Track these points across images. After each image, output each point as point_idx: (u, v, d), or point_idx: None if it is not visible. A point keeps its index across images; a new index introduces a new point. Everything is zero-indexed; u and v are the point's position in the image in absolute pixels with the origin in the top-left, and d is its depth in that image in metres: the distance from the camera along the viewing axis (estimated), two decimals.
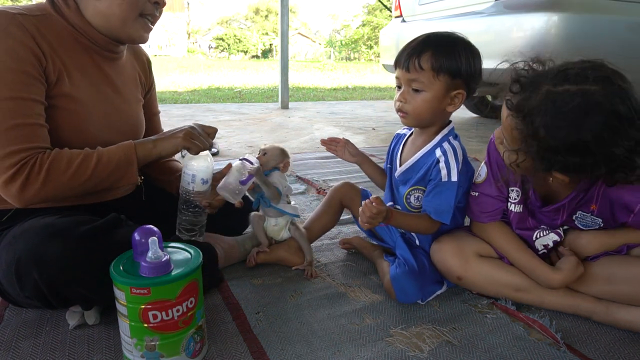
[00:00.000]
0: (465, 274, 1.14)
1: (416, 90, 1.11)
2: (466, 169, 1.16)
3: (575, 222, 1.09)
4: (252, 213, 1.36)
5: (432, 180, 1.15)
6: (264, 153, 1.24)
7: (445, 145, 1.16)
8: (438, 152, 1.15)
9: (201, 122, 1.14)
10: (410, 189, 1.21)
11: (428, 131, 1.20)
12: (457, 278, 1.15)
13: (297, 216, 1.34)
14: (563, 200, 1.05)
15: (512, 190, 1.14)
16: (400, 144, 1.30)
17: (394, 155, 1.31)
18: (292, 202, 1.35)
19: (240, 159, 1.21)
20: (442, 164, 1.13)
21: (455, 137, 1.19)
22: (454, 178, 1.12)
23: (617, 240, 1.07)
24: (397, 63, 1.13)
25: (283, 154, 1.27)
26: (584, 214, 1.07)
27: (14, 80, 0.92)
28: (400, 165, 1.25)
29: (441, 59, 1.08)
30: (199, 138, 1.09)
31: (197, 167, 1.13)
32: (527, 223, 1.14)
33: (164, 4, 1.11)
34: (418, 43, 1.11)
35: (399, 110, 1.16)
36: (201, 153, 1.13)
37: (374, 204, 1.04)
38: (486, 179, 1.15)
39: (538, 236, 1.14)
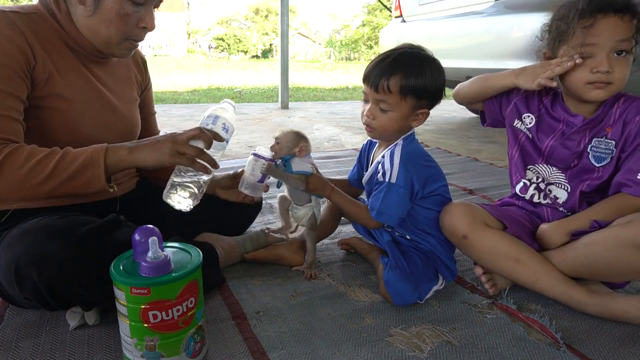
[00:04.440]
0: (470, 234, 1.14)
1: (383, 110, 1.14)
2: (410, 170, 1.15)
3: (590, 155, 1.15)
4: (279, 195, 1.37)
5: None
6: (277, 141, 1.21)
7: (386, 151, 1.19)
8: (380, 157, 1.21)
9: (200, 122, 1.11)
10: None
11: (389, 141, 1.22)
12: (463, 237, 1.15)
13: (320, 196, 1.31)
14: (595, 113, 1.13)
15: (528, 116, 1.25)
16: (372, 152, 1.32)
17: (368, 162, 1.33)
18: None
19: (252, 153, 1.20)
20: (379, 167, 1.18)
21: (410, 140, 1.20)
22: (387, 179, 1.15)
23: (579, 221, 1.12)
24: (366, 80, 1.15)
25: (298, 137, 1.23)
26: (599, 139, 1.14)
27: None
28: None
29: (409, 83, 1.10)
30: (189, 147, 0.96)
31: (222, 113, 1.06)
32: (533, 153, 1.25)
33: (152, 29, 1.08)
34: (387, 64, 1.12)
35: (366, 124, 1.18)
36: (228, 106, 1.09)
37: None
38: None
39: (545, 175, 1.23)
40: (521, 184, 1.27)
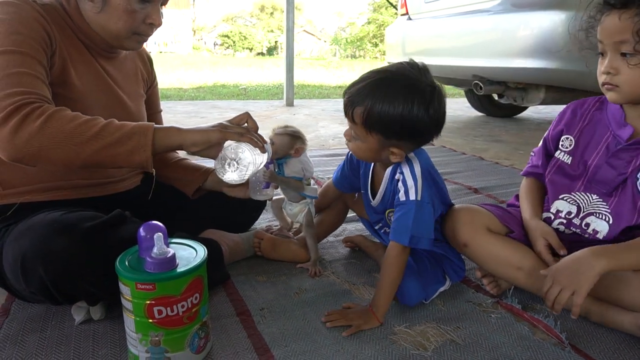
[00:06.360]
0: (471, 242, 1.12)
1: (354, 137, 1.05)
2: (430, 183, 1.08)
3: (639, 183, 1.01)
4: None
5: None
6: (271, 142, 1.20)
7: (402, 163, 1.08)
8: (397, 174, 1.09)
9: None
10: (389, 210, 1.18)
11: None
12: (463, 245, 1.13)
13: (316, 197, 1.33)
14: None
15: (567, 138, 1.15)
16: (369, 167, 1.20)
17: (365, 180, 1.22)
18: (312, 183, 1.32)
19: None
20: (400, 184, 1.07)
21: (419, 151, 1.10)
22: (412, 197, 1.04)
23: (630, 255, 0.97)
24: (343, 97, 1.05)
25: (293, 140, 1.23)
26: None
27: (23, 41, 0.93)
28: (373, 196, 1.20)
29: (372, 118, 0.97)
30: (235, 127, 1.02)
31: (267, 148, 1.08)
32: (571, 179, 1.12)
33: (159, 25, 1.10)
34: (357, 90, 1.00)
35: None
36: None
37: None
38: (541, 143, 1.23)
39: (585, 206, 1.09)
40: (543, 216, 1.17)
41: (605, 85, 1.00)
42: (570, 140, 1.15)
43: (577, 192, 1.11)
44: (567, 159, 1.15)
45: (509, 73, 3.06)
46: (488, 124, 4.31)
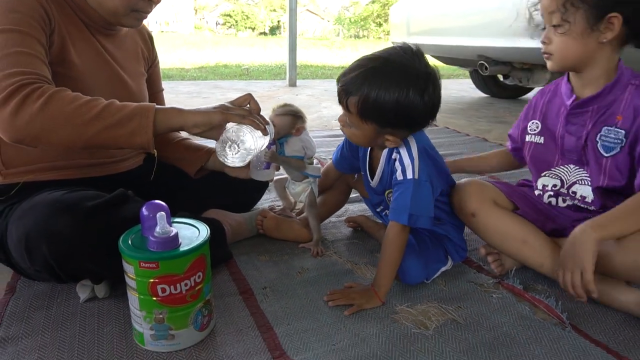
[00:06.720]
0: (478, 212, 1.14)
1: (349, 123, 1.05)
2: (427, 162, 1.07)
3: (599, 145, 1.06)
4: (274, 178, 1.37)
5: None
6: (272, 123, 1.19)
7: (405, 143, 1.07)
8: (394, 154, 1.09)
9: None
10: (388, 191, 1.18)
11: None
12: (471, 214, 1.15)
13: (319, 176, 1.34)
14: (595, 92, 1.05)
15: (532, 122, 1.21)
16: (367, 149, 1.20)
17: (363, 161, 1.23)
18: (315, 163, 1.33)
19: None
20: (397, 164, 1.07)
21: (419, 132, 1.09)
22: (410, 175, 1.04)
23: (618, 224, 1.00)
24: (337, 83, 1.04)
25: (293, 121, 1.23)
26: (609, 128, 1.04)
27: (21, 20, 0.92)
28: (372, 176, 1.20)
29: (367, 108, 0.96)
30: (237, 109, 1.01)
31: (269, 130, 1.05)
32: (548, 157, 1.17)
33: (158, 2, 1.08)
34: (351, 79, 0.97)
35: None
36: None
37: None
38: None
39: (567, 176, 1.14)
40: (535, 192, 1.22)
41: (544, 55, 1.08)
42: (537, 123, 1.21)
43: (556, 167, 1.16)
44: (539, 140, 1.20)
45: (514, 53, 3.02)
46: (492, 105, 4.27)
